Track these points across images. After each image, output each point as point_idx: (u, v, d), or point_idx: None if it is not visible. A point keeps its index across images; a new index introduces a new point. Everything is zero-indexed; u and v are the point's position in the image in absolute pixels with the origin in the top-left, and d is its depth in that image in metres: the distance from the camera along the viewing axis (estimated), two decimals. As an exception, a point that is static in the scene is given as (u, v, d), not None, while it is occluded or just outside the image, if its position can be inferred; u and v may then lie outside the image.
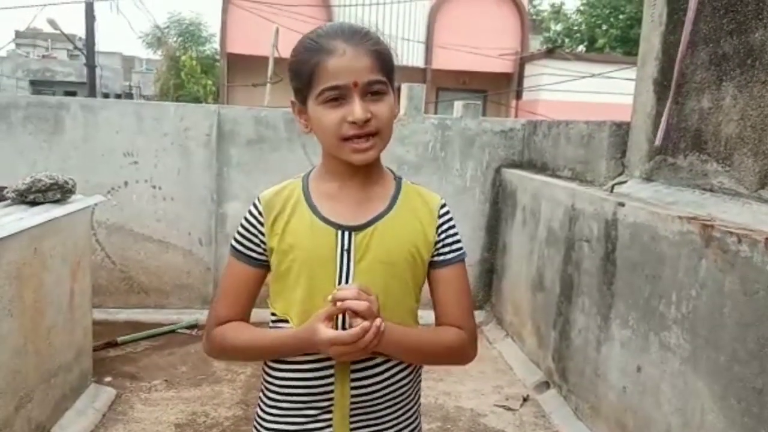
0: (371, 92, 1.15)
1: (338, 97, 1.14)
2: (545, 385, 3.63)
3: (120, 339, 4.10)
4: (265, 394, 1.32)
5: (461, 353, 1.30)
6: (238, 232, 1.29)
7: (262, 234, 1.25)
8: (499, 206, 4.85)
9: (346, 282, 1.21)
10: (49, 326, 2.77)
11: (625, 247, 2.78)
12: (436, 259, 1.28)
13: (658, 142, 2.84)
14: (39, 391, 2.69)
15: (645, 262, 2.60)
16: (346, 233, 1.22)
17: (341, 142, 1.16)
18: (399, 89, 1.29)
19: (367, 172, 1.25)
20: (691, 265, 2.25)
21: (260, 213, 1.26)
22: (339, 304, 1.11)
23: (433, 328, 1.29)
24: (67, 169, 3.94)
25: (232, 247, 1.29)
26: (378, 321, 1.11)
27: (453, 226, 1.30)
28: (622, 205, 2.83)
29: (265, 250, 1.26)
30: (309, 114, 1.20)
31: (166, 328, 4.37)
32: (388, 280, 1.23)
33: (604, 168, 3.40)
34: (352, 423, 1.26)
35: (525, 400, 3.59)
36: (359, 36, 1.17)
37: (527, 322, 4.06)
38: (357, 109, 1.13)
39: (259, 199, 1.28)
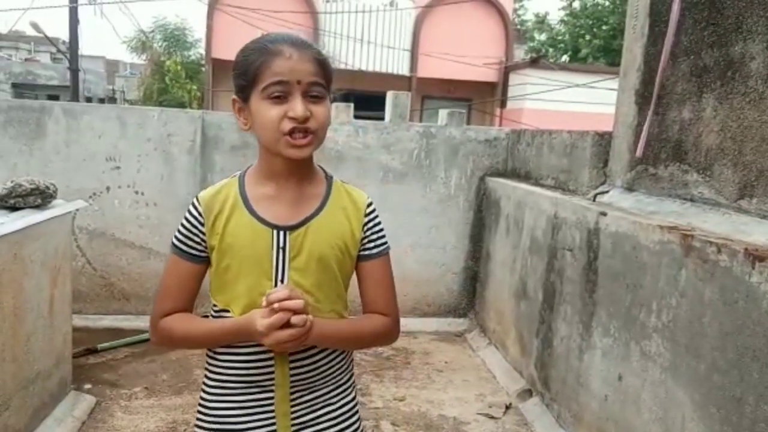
0: (312, 95, 1.25)
1: (281, 94, 1.23)
2: (528, 393, 3.64)
3: (100, 346, 4.05)
4: (208, 377, 1.41)
5: (386, 337, 1.45)
6: (180, 231, 1.37)
7: (203, 233, 1.34)
8: (482, 214, 4.87)
9: (282, 278, 1.32)
10: (29, 333, 2.74)
11: (607, 256, 2.80)
12: (362, 253, 1.40)
13: (638, 153, 2.87)
14: (17, 399, 2.65)
15: (626, 271, 2.62)
16: (281, 233, 1.32)
17: (281, 137, 1.25)
18: (334, 100, 1.39)
19: (302, 173, 1.35)
20: (672, 274, 2.27)
21: (200, 214, 1.34)
22: (276, 305, 1.20)
23: (360, 317, 1.42)
24: (49, 174, 3.91)
25: (174, 245, 1.38)
26: (310, 317, 1.23)
27: (378, 224, 1.42)
28: (604, 214, 2.86)
29: (205, 248, 1.35)
30: (251, 110, 1.28)
31: (147, 335, 4.32)
32: (320, 275, 1.34)
33: (586, 177, 3.43)
34: (292, 401, 1.37)
35: (507, 408, 3.59)
36: (305, 45, 1.28)
37: (510, 330, 4.07)
38: (298, 105, 1.23)
39: (198, 200, 1.36)
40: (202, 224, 1.34)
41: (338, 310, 1.40)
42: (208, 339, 1.36)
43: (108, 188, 4.46)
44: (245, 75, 1.26)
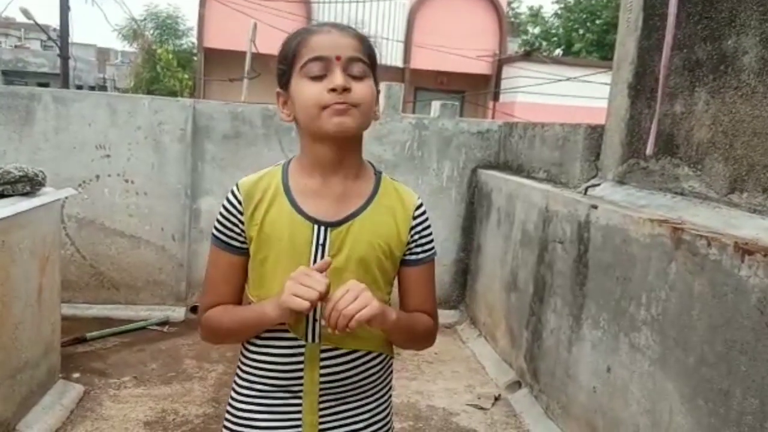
0: (353, 74, 1.18)
1: (321, 72, 1.16)
2: (517, 384, 3.66)
3: (89, 335, 4.03)
4: (240, 377, 1.35)
5: (431, 338, 1.39)
6: (219, 221, 1.29)
7: (242, 222, 1.26)
8: (474, 207, 4.87)
9: None
10: (16, 321, 2.72)
11: (597, 248, 2.81)
12: (409, 257, 1.32)
13: (649, 151, 2.79)
14: (4, 387, 2.63)
15: (616, 263, 2.63)
16: (323, 228, 1.24)
17: (320, 111, 1.16)
18: (379, 92, 1.29)
19: (349, 166, 1.26)
20: (662, 267, 2.28)
21: (239, 202, 1.26)
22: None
23: (414, 314, 1.34)
24: (38, 161, 3.87)
25: (214, 236, 1.30)
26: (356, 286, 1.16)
27: (427, 227, 1.33)
28: (595, 207, 2.86)
29: (245, 238, 1.27)
30: (291, 95, 1.22)
31: (136, 325, 4.31)
32: (360, 275, 1.24)
33: (578, 170, 3.43)
34: (321, 411, 1.29)
35: (497, 399, 3.61)
36: (345, 25, 1.24)
37: (500, 322, 4.08)
38: (338, 76, 1.15)
39: (237, 188, 1.27)
40: (242, 213, 1.25)
41: None
42: (247, 322, 1.27)
43: (98, 176, 4.43)
44: (285, 59, 1.21)
